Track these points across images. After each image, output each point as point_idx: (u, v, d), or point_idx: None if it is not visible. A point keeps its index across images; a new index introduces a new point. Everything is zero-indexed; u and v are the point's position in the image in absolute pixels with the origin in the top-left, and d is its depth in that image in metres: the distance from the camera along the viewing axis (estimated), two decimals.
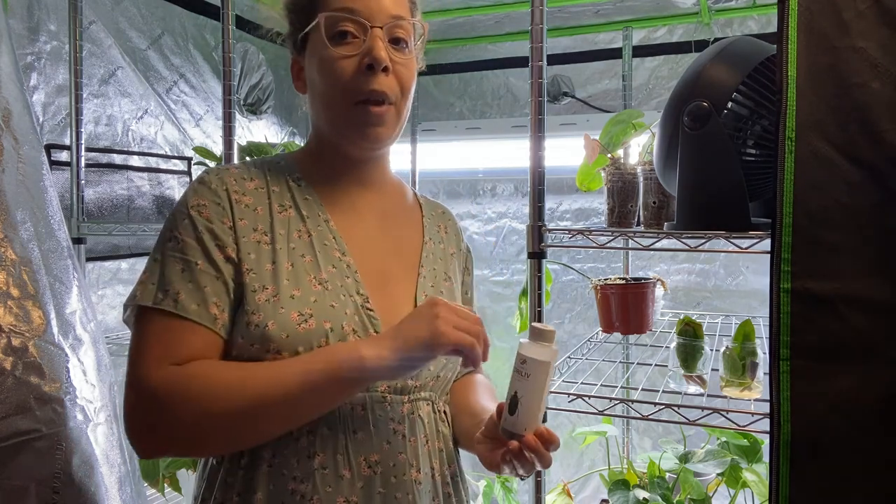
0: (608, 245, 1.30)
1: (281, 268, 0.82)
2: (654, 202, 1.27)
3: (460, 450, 0.97)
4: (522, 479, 0.85)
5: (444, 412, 0.94)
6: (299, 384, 0.76)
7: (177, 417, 0.75)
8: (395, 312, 0.87)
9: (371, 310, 0.85)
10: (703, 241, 1.14)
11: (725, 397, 1.22)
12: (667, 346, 1.51)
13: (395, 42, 0.87)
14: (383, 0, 0.86)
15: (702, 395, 1.25)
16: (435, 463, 0.89)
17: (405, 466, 0.83)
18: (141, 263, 0.88)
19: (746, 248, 1.10)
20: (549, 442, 0.80)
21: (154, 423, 0.76)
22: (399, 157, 2.51)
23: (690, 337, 1.26)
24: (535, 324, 0.83)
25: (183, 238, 0.81)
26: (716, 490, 1.75)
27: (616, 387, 1.35)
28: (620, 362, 1.88)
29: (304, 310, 0.80)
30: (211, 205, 0.83)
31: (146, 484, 1.60)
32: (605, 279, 1.58)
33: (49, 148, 1.74)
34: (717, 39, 1.90)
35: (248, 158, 1.92)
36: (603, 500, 1.93)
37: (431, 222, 1.02)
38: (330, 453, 0.80)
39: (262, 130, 2.55)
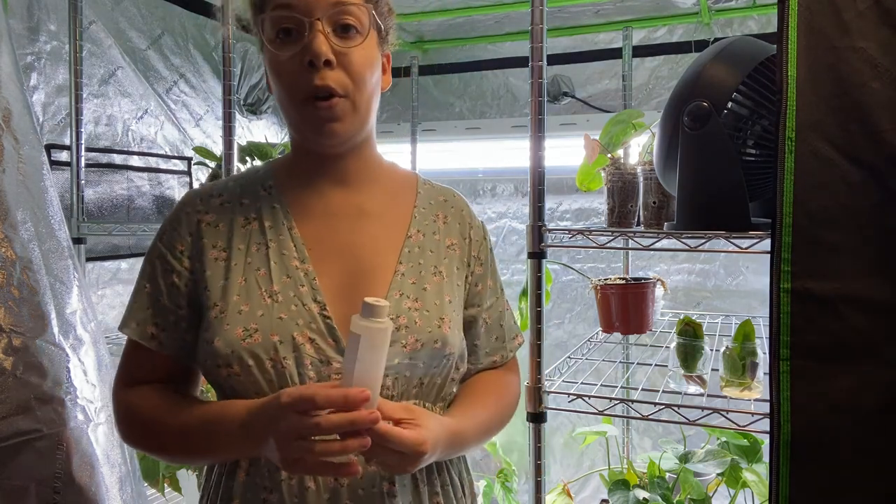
0: (608, 245, 1.30)
1: (233, 284, 0.82)
2: (654, 202, 1.27)
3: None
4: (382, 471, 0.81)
5: None
6: (201, 436, 0.81)
7: (127, 432, 0.88)
8: None
9: (329, 317, 0.81)
10: (703, 241, 1.14)
11: (725, 397, 1.22)
12: (667, 346, 1.51)
13: (345, 29, 0.81)
14: None
15: (702, 395, 1.25)
16: (419, 473, 0.84)
17: (375, 479, 0.80)
18: (140, 263, 0.92)
19: (746, 248, 1.10)
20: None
21: (119, 428, 0.89)
22: (399, 157, 2.51)
23: (690, 337, 1.26)
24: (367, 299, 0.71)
25: (145, 263, 0.89)
26: (716, 490, 1.75)
27: (616, 387, 1.35)
28: (620, 362, 1.88)
29: (249, 325, 0.79)
30: (170, 231, 0.88)
31: (146, 484, 1.60)
32: (605, 279, 1.58)
33: (49, 148, 1.74)
34: (717, 39, 1.91)
35: (248, 160, 1.93)
36: (603, 500, 1.93)
37: (426, 212, 0.95)
38: None
39: (262, 130, 2.55)
